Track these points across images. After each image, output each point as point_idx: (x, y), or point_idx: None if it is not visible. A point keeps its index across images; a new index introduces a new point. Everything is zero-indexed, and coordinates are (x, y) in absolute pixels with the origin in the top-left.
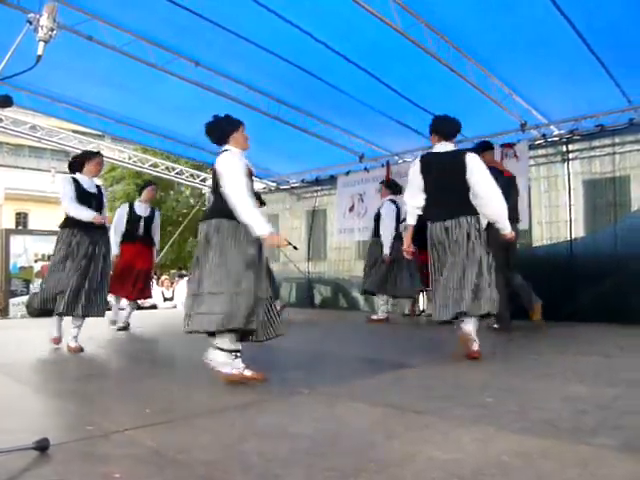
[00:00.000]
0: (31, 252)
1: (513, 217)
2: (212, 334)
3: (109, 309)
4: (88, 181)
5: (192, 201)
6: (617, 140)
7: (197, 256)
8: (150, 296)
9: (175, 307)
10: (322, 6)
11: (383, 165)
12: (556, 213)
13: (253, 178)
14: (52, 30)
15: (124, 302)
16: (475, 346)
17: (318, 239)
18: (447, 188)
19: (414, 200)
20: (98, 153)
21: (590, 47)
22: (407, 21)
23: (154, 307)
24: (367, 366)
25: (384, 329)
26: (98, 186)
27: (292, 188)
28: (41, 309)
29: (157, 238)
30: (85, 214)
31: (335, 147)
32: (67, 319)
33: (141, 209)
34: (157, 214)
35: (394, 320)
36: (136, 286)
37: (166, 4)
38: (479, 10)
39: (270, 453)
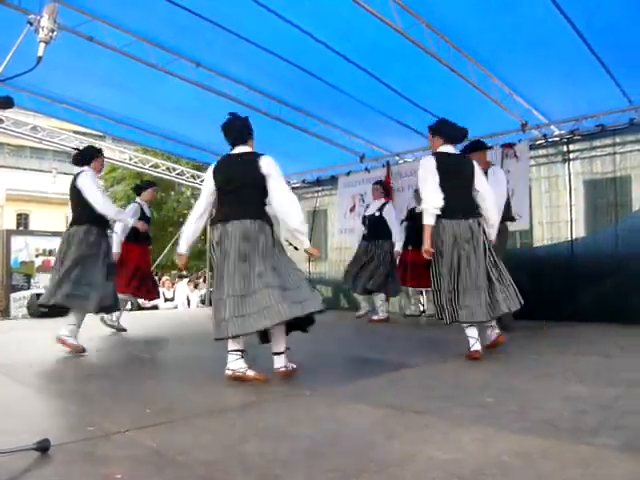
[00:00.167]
0: (32, 247)
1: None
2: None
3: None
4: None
5: (193, 202)
6: (618, 140)
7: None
8: (158, 296)
9: (176, 307)
10: (322, 6)
11: (384, 165)
12: (557, 213)
13: None
14: (53, 31)
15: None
16: (477, 346)
17: (319, 239)
18: (461, 188)
19: (436, 200)
20: (101, 151)
21: (590, 47)
22: (407, 21)
23: (155, 308)
24: (367, 366)
25: (384, 329)
26: None
27: (293, 188)
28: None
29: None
30: (127, 218)
31: (336, 147)
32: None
33: (146, 209)
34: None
35: (394, 320)
36: (148, 286)
37: (166, 5)
38: (479, 10)
39: (271, 453)
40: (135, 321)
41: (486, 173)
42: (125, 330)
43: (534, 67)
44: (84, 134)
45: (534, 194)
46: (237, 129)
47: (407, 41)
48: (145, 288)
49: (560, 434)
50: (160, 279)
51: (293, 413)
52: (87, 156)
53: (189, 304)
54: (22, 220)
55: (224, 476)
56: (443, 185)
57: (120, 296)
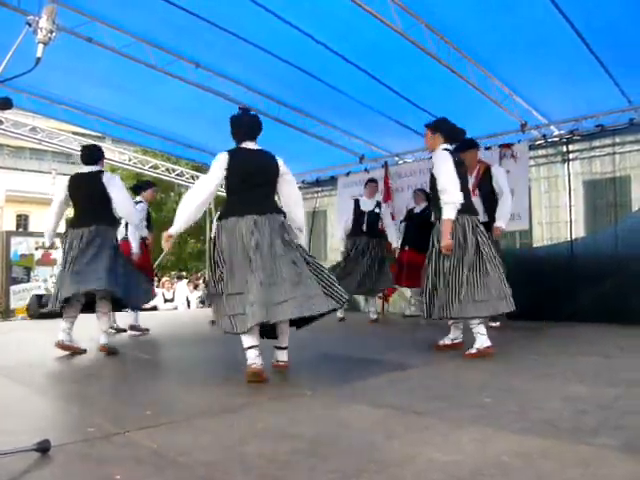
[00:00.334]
0: (32, 240)
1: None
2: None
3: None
4: None
5: None
6: (617, 140)
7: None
8: (155, 295)
9: (175, 308)
10: (321, 7)
11: (383, 166)
12: (556, 213)
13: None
14: (51, 32)
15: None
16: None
17: (318, 240)
18: (464, 186)
19: (460, 195)
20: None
21: (590, 47)
22: (407, 22)
23: (154, 308)
24: (367, 367)
25: (384, 330)
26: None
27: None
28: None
29: None
30: (143, 229)
31: (335, 148)
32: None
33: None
34: None
35: (394, 320)
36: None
37: (165, 6)
38: (479, 11)
39: (270, 454)
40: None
41: (484, 172)
42: (125, 331)
43: (534, 67)
44: (83, 135)
45: (534, 194)
46: (247, 124)
47: (407, 42)
48: None
49: (560, 434)
50: (160, 280)
51: (293, 413)
52: (102, 154)
53: (189, 305)
54: (22, 221)
55: (224, 477)
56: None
57: None
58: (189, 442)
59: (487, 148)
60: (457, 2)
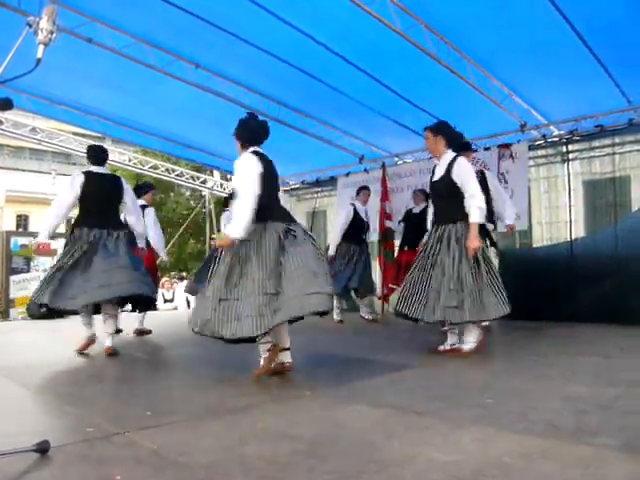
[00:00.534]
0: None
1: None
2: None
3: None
4: None
5: (192, 203)
6: (617, 140)
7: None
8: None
9: (175, 309)
10: (321, 8)
11: (381, 167)
12: (556, 214)
13: None
14: (52, 33)
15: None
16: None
17: (318, 240)
18: None
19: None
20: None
21: (589, 47)
22: (406, 22)
23: (154, 309)
24: (367, 367)
25: (383, 330)
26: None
27: (292, 189)
28: None
29: None
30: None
31: (335, 148)
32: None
33: None
34: None
35: (394, 321)
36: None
37: (166, 6)
38: (478, 11)
39: (270, 455)
40: (135, 322)
41: (481, 175)
42: (121, 331)
43: (533, 68)
44: (83, 135)
45: (533, 194)
46: (254, 129)
47: (406, 42)
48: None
49: (560, 434)
50: (159, 280)
51: (293, 414)
52: (107, 155)
53: (188, 305)
54: (22, 221)
55: (224, 478)
56: None
57: None
58: (189, 443)
59: (486, 149)
60: (457, 2)
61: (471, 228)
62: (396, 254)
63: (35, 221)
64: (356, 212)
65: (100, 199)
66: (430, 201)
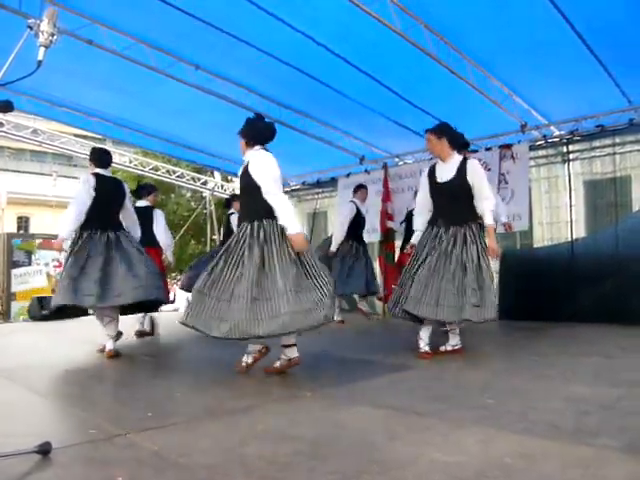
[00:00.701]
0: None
1: None
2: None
3: None
4: None
5: (193, 204)
6: (617, 140)
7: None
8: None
9: (176, 310)
10: (321, 9)
11: (383, 167)
12: (557, 214)
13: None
14: (53, 35)
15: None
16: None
17: (319, 241)
18: None
19: None
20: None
21: (590, 47)
22: (406, 23)
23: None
24: (368, 367)
25: (384, 331)
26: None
27: (293, 190)
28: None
29: None
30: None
31: (336, 149)
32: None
33: None
34: None
35: (394, 321)
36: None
37: (166, 8)
38: (478, 11)
39: (271, 456)
40: (136, 324)
41: None
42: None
43: (533, 68)
44: (84, 137)
45: (534, 195)
46: (261, 130)
47: (406, 43)
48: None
49: (561, 435)
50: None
51: (293, 415)
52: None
53: None
54: (23, 223)
55: (225, 478)
56: None
57: None
58: (190, 444)
59: (487, 149)
60: (457, 3)
61: (490, 231)
62: (398, 255)
63: (36, 223)
64: (358, 209)
65: (106, 202)
66: (419, 202)
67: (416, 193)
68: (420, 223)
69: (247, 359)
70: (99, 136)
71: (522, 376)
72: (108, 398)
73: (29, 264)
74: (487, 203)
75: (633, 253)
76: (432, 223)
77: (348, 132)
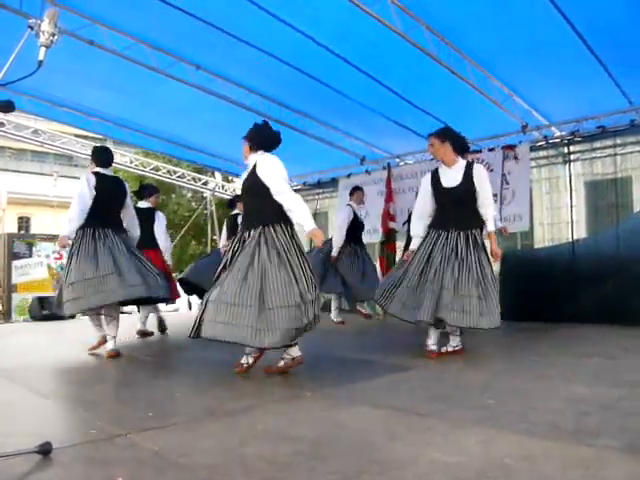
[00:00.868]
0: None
1: None
2: None
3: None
4: None
5: (194, 204)
6: (618, 141)
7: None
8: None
9: (177, 310)
10: (322, 9)
11: (384, 167)
12: (558, 214)
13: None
14: (53, 35)
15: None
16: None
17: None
18: None
19: None
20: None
21: (590, 48)
22: (407, 23)
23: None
24: (368, 368)
25: (384, 331)
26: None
27: (294, 191)
28: None
29: None
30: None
31: (336, 150)
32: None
33: None
34: None
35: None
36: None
37: (167, 8)
38: (479, 11)
39: (271, 456)
40: (137, 324)
41: None
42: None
43: (534, 68)
44: (85, 137)
45: (535, 195)
46: (268, 136)
47: (407, 43)
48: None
49: (562, 435)
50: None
51: (293, 415)
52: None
53: (190, 307)
54: (23, 223)
55: (225, 479)
56: None
57: None
58: (190, 444)
59: (490, 149)
60: (457, 3)
61: (492, 236)
62: (400, 256)
63: (37, 223)
64: (354, 213)
65: (106, 200)
66: (420, 207)
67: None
68: (421, 229)
69: (247, 360)
70: (100, 136)
71: (523, 376)
72: (109, 398)
73: (30, 256)
74: (490, 209)
75: (634, 254)
76: (436, 227)
77: (349, 132)
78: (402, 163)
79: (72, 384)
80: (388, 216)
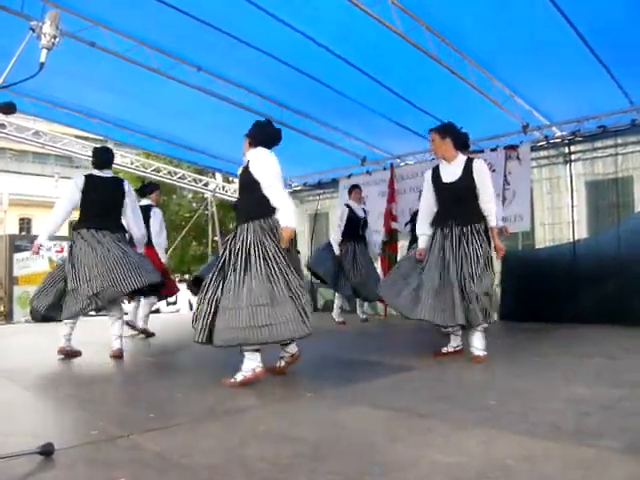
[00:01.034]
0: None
1: None
2: None
3: None
4: None
5: (194, 205)
6: (619, 141)
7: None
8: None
9: (178, 311)
10: (322, 9)
11: (385, 168)
12: (559, 215)
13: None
14: (55, 37)
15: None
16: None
17: (320, 243)
18: None
19: None
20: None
21: (591, 48)
22: (408, 24)
23: (157, 311)
24: (369, 369)
25: (385, 332)
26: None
27: (294, 192)
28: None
29: None
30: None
31: (337, 150)
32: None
33: None
34: None
35: (395, 322)
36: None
37: (167, 10)
38: (479, 12)
39: (272, 457)
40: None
41: None
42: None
43: (535, 69)
44: (86, 139)
45: (536, 195)
46: (270, 134)
47: (407, 44)
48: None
49: (562, 436)
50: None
51: (294, 415)
52: (114, 157)
53: (191, 308)
54: (25, 225)
55: (226, 479)
56: None
57: None
58: (192, 445)
59: (493, 150)
60: (457, 4)
61: (495, 232)
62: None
63: (38, 224)
64: (352, 211)
65: (99, 202)
66: (424, 206)
67: (421, 194)
68: (427, 227)
69: (280, 362)
70: (101, 137)
71: (523, 377)
72: (110, 399)
73: (31, 249)
74: (491, 205)
75: (635, 254)
76: (438, 224)
77: (349, 133)
78: (403, 164)
79: (73, 385)
80: (390, 216)
